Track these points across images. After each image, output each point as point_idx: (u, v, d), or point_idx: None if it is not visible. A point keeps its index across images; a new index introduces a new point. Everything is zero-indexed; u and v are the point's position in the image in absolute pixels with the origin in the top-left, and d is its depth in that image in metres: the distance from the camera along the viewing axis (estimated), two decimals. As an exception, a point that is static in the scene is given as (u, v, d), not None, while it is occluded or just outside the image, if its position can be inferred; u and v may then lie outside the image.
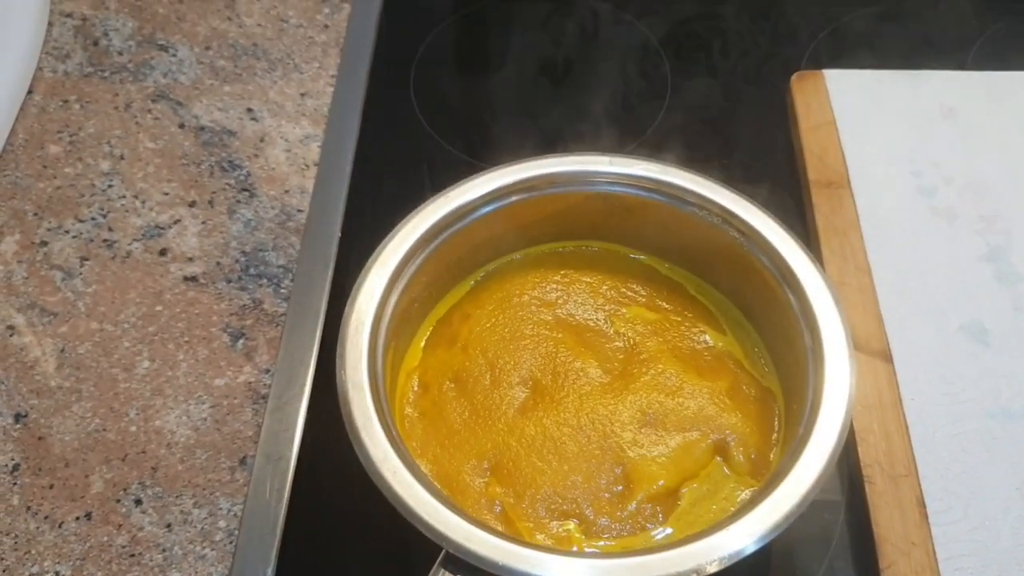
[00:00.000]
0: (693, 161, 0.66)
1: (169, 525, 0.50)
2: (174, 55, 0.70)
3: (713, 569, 0.40)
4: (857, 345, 0.55)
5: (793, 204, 0.63)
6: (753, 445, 0.48)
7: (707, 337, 0.52)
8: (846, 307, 0.56)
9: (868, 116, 0.65)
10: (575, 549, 0.45)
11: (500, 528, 0.45)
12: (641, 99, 0.71)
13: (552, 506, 0.46)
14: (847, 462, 0.52)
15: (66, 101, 0.67)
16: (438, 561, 0.40)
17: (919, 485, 0.50)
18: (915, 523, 0.49)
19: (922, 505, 0.49)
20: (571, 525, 0.46)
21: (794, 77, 0.68)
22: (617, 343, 0.52)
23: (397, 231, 0.49)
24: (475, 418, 0.48)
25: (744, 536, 0.41)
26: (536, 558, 0.40)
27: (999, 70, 0.69)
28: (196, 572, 0.48)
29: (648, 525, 0.46)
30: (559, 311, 0.53)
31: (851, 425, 0.52)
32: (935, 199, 0.62)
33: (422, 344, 0.52)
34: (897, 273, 0.58)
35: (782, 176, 0.65)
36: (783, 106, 0.68)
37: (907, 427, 0.52)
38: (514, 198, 0.52)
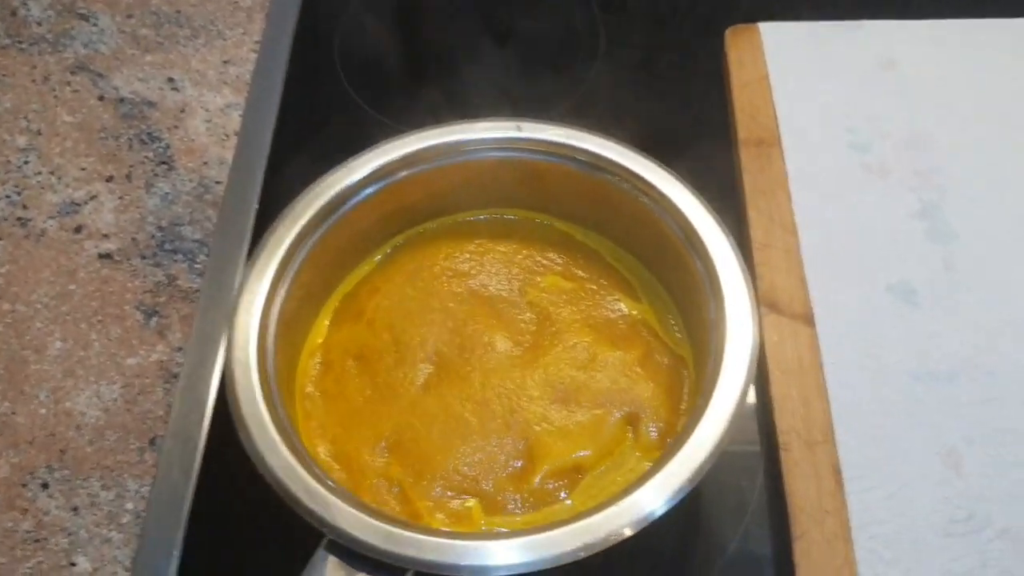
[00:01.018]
0: (625, 121, 0.64)
1: (76, 508, 0.49)
2: (95, 24, 0.68)
3: (627, 534, 0.40)
4: (779, 308, 0.53)
5: (727, 165, 0.61)
6: (663, 417, 0.47)
7: (622, 305, 0.51)
8: (770, 270, 0.55)
9: (804, 70, 0.63)
10: (465, 530, 0.44)
11: (398, 509, 0.44)
12: (574, 55, 0.68)
13: (451, 484, 0.45)
14: (764, 429, 0.51)
15: (-19, 75, 0.65)
16: (321, 546, 0.39)
17: (836, 452, 0.49)
18: (830, 491, 0.48)
19: (838, 472, 0.48)
20: (471, 503, 0.45)
21: (728, 31, 0.65)
22: (529, 314, 0.50)
23: (294, 204, 0.48)
24: (377, 396, 0.47)
25: (652, 499, 0.40)
26: (420, 540, 0.39)
27: (946, 17, 0.66)
28: (102, 555, 0.48)
29: (552, 500, 0.45)
30: (471, 282, 0.52)
31: (768, 391, 0.51)
32: (869, 155, 0.60)
33: (327, 321, 0.51)
34: (824, 233, 0.56)
35: (718, 135, 0.63)
36: (720, 61, 0.66)
37: (827, 392, 0.51)
38: (418, 168, 0.50)
